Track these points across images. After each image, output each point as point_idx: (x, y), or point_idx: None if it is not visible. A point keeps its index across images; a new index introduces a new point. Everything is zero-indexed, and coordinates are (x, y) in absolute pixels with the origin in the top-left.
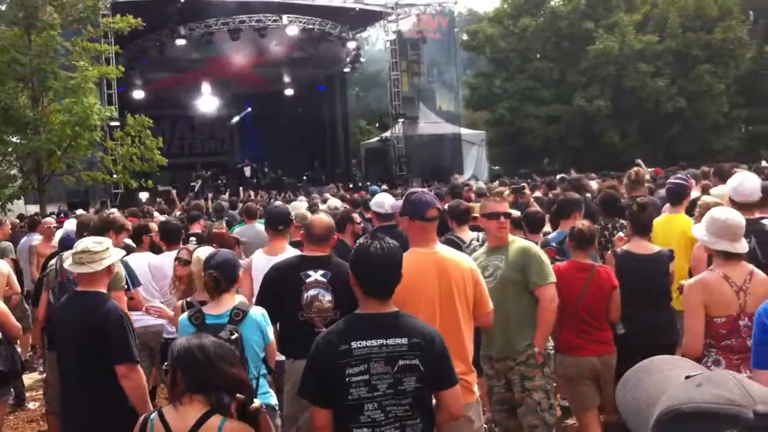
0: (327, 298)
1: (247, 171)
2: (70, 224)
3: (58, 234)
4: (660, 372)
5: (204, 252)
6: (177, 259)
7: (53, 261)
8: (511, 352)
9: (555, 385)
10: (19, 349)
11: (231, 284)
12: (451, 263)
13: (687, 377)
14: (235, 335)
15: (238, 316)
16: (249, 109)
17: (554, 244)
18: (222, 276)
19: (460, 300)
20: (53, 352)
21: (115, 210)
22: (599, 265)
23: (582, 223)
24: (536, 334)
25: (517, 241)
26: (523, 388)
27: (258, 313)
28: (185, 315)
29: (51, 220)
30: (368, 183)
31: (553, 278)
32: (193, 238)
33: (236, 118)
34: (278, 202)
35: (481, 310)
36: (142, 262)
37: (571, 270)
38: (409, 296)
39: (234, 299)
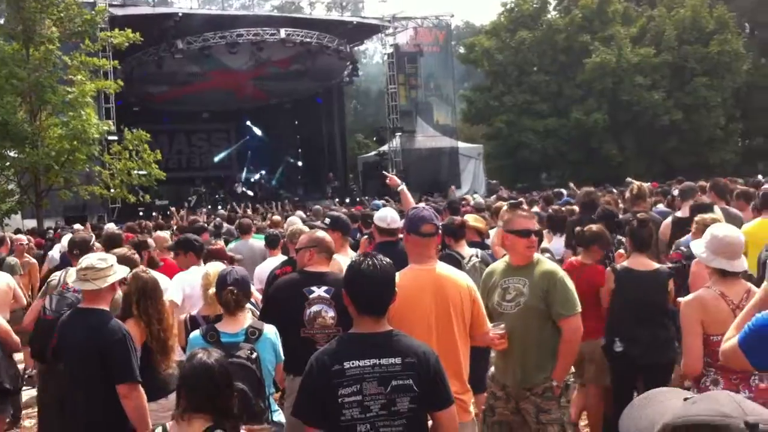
0: (330, 314)
1: (238, 188)
2: (67, 240)
3: (56, 249)
4: (661, 402)
5: (214, 268)
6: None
7: (58, 272)
8: (528, 384)
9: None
10: (21, 366)
11: (247, 301)
12: (448, 281)
13: (685, 399)
14: (255, 354)
15: (254, 334)
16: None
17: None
18: (241, 293)
19: (456, 318)
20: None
21: (111, 225)
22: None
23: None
24: (557, 367)
25: (542, 263)
26: (538, 420)
27: (271, 332)
28: (198, 332)
29: (22, 237)
30: (366, 197)
31: (578, 308)
32: None
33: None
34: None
35: (479, 329)
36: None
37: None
38: (405, 313)
39: (248, 317)
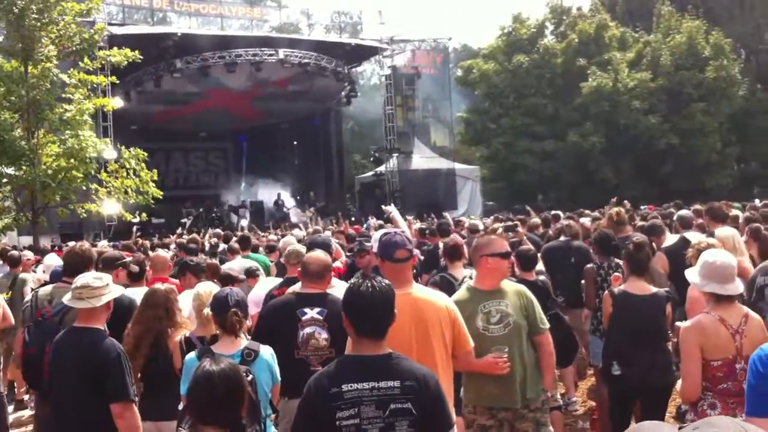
0: (323, 336)
1: (225, 207)
2: (51, 258)
3: (41, 267)
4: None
5: (205, 288)
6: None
7: (28, 297)
8: (525, 401)
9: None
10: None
11: (245, 322)
12: (426, 304)
13: (680, 427)
14: (251, 376)
15: (250, 356)
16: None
17: None
18: (243, 314)
19: (437, 342)
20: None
21: (105, 242)
22: None
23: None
24: (547, 379)
25: (508, 284)
26: None
27: (267, 353)
28: (194, 354)
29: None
30: (363, 218)
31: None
32: None
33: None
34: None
35: (461, 349)
36: None
37: None
38: None
39: (243, 338)
